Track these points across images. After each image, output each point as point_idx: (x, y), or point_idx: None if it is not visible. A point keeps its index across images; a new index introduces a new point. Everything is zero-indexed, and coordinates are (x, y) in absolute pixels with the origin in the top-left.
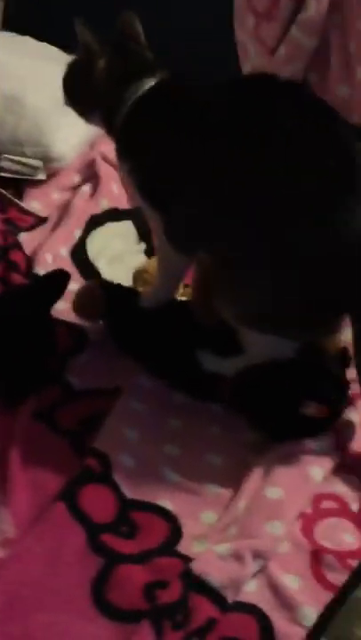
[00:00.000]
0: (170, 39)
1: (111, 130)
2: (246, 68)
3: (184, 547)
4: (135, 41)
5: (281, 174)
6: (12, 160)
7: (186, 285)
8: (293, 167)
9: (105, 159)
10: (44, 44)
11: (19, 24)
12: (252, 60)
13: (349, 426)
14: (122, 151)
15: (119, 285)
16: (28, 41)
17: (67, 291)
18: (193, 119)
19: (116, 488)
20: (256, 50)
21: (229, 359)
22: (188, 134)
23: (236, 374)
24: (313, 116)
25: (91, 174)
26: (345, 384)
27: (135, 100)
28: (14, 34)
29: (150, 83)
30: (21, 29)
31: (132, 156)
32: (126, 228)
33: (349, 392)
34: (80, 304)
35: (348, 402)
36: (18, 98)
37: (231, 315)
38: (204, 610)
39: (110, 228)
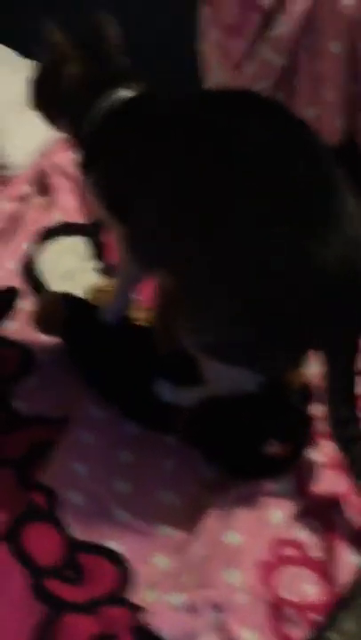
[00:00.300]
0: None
1: (77, 137)
2: (210, 80)
3: (134, 594)
4: (109, 44)
5: (248, 197)
6: None
7: (148, 309)
8: (263, 189)
9: (57, 170)
10: None
11: None
12: (215, 73)
13: (312, 467)
14: (87, 162)
15: (82, 300)
16: None
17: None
18: (162, 135)
19: (62, 527)
20: (219, 63)
21: (187, 389)
22: (155, 149)
23: (193, 405)
24: (288, 135)
25: (42, 185)
26: (309, 421)
27: (106, 111)
28: None
29: (124, 94)
30: None
31: (98, 168)
32: (78, 244)
33: (312, 430)
34: (40, 318)
35: (310, 440)
36: None
37: (191, 342)
38: None
39: (62, 243)
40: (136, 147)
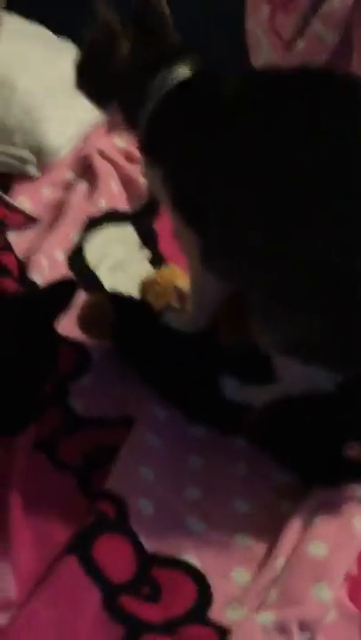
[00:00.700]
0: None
1: (133, 123)
2: (257, 61)
3: (216, 612)
4: (160, 20)
5: (340, 195)
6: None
7: None
8: (351, 181)
9: (102, 155)
10: (38, 27)
11: (17, 6)
12: (264, 53)
13: None
14: (151, 152)
15: (130, 298)
16: (21, 23)
17: None
18: (238, 117)
19: (134, 539)
20: (270, 42)
21: (258, 388)
22: (232, 135)
23: (263, 405)
24: None
25: (85, 171)
26: None
27: (166, 92)
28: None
29: (183, 72)
30: (20, 11)
31: (166, 160)
32: (127, 232)
33: None
34: (87, 321)
35: None
36: (7, 81)
37: (271, 342)
38: None
39: (110, 231)
40: (212, 134)
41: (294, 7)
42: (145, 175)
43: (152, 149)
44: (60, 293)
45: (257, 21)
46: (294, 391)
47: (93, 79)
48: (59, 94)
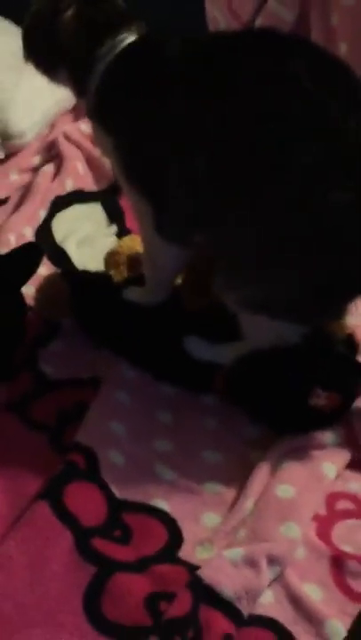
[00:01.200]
0: None
1: (81, 92)
2: None
3: (186, 553)
4: None
5: (296, 142)
6: None
7: None
8: (307, 136)
9: (67, 138)
10: None
11: None
12: None
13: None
14: (100, 120)
15: (86, 273)
16: None
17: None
18: (189, 80)
19: (104, 487)
20: (229, 25)
21: (225, 346)
22: (184, 99)
23: (232, 362)
24: (331, 77)
25: (52, 156)
26: (357, 368)
27: (113, 58)
28: None
29: (129, 37)
30: None
31: (116, 127)
32: (94, 209)
33: None
34: (43, 302)
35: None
36: None
37: (235, 299)
38: (217, 625)
39: (77, 209)
40: (162, 93)
41: None
42: (95, 141)
43: (101, 117)
44: (25, 258)
45: (215, 3)
46: (261, 346)
47: (40, 49)
48: (25, 80)
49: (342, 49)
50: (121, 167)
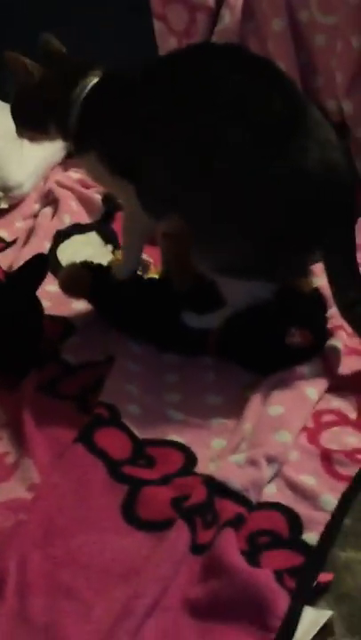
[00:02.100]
0: None
1: (66, 134)
2: None
3: (201, 468)
4: (61, 52)
5: (230, 120)
6: None
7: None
8: (241, 112)
9: (60, 185)
10: None
11: None
12: None
13: (335, 351)
14: (83, 144)
15: (100, 265)
16: None
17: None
18: (145, 91)
19: (126, 430)
20: None
21: (212, 314)
22: (144, 104)
23: (220, 325)
24: (253, 69)
25: (49, 202)
26: (324, 310)
27: (85, 95)
28: None
29: (94, 78)
30: None
31: (96, 144)
32: (91, 237)
33: (328, 321)
34: (66, 284)
35: (329, 332)
36: None
37: (210, 266)
38: (230, 509)
39: (77, 239)
40: (126, 108)
41: (194, 32)
42: (86, 172)
43: (84, 141)
44: (35, 267)
45: (168, 51)
46: (241, 307)
47: (28, 116)
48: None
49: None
50: (108, 167)
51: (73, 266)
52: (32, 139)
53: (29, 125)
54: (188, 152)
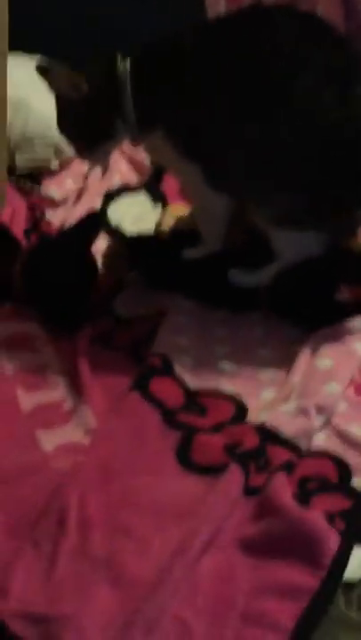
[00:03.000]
0: None
1: (131, 122)
2: None
3: (252, 418)
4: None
5: (294, 72)
6: (25, 159)
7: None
8: (302, 65)
9: None
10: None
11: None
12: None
13: None
14: (146, 124)
15: (140, 237)
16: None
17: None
18: (201, 62)
19: (179, 380)
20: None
21: (262, 270)
22: (203, 74)
23: (270, 282)
24: (307, 26)
25: None
26: None
27: (131, 72)
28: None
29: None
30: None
31: (159, 121)
32: (141, 198)
33: None
34: (108, 264)
35: None
36: (24, 103)
37: (265, 218)
38: (282, 455)
39: (126, 199)
40: (182, 77)
41: None
42: (147, 151)
43: (147, 120)
44: (89, 223)
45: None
46: (292, 259)
47: (90, 131)
48: None
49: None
50: (175, 146)
51: (111, 248)
52: (102, 154)
53: (96, 139)
54: (254, 108)
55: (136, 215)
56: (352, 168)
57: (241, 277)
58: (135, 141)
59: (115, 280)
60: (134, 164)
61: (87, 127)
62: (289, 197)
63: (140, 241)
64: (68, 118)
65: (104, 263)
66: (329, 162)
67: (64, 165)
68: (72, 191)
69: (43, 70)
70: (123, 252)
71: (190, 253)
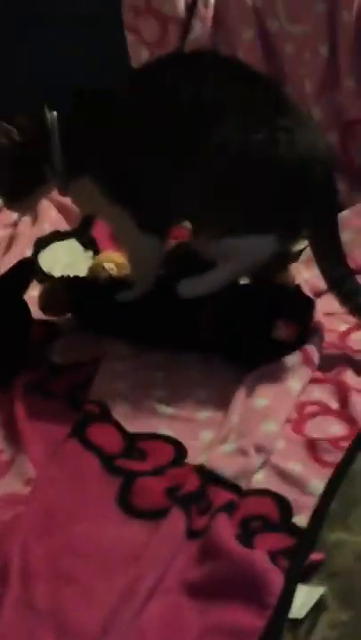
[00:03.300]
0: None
1: (56, 168)
2: None
3: (192, 459)
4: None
5: (218, 112)
6: None
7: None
8: (226, 105)
9: None
10: None
11: None
12: None
13: (315, 344)
14: (74, 170)
15: (78, 277)
16: None
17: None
18: (127, 108)
19: (117, 425)
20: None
21: (205, 275)
22: (129, 115)
23: (214, 306)
24: (225, 67)
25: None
26: (308, 300)
27: (58, 119)
28: None
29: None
30: None
31: (86, 168)
32: (71, 244)
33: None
34: (45, 304)
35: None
36: None
37: (214, 230)
38: (223, 496)
39: (57, 245)
40: (110, 123)
41: (166, 42)
42: (75, 201)
43: (75, 166)
44: (21, 271)
45: (140, 62)
46: (239, 269)
47: (18, 178)
48: None
49: None
50: (102, 191)
51: (49, 286)
52: (31, 202)
53: (25, 186)
54: (184, 151)
55: (67, 262)
56: (284, 194)
57: (188, 286)
58: (63, 190)
59: (48, 327)
60: (64, 210)
61: (16, 175)
62: (230, 217)
63: (77, 282)
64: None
65: (42, 302)
66: (262, 192)
67: None
68: (1, 239)
69: None
70: (60, 294)
71: (124, 296)
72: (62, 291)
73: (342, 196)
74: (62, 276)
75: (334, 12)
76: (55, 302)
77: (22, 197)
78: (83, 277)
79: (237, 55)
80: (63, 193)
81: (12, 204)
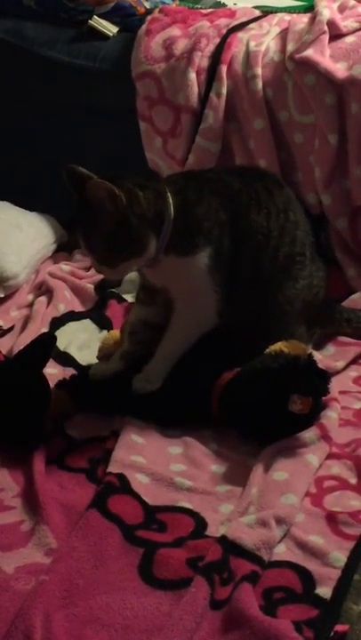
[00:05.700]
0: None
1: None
2: None
3: (212, 531)
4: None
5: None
6: None
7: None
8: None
9: (53, 276)
10: None
11: None
12: (165, 173)
13: (331, 420)
14: (187, 250)
15: (73, 376)
16: None
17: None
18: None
19: (137, 497)
20: (167, 164)
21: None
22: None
23: (223, 390)
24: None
25: (42, 292)
26: (322, 373)
27: (174, 201)
28: None
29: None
30: None
31: (206, 243)
32: (86, 324)
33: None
34: (53, 412)
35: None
36: None
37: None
38: (245, 567)
39: (72, 325)
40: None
41: (180, 132)
42: (154, 273)
43: (187, 248)
44: (41, 345)
45: (153, 151)
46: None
47: (120, 244)
48: (9, 234)
49: (261, 164)
50: (204, 270)
51: (56, 395)
52: (125, 269)
53: (126, 252)
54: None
55: (82, 341)
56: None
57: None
58: (152, 264)
59: (66, 402)
60: (78, 292)
61: (118, 241)
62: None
63: (76, 380)
64: (93, 229)
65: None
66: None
67: (8, 296)
68: (17, 319)
69: (76, 175)
70: (63, 396)
71: (140, 387)
72: (66, 398)
73: (352, 280)
74: (62, 382)
75: (343, 103)
76: (62, 411)
77: (118, 263)
78: (80, 373)
79: (249, 144)
80: (151, 264)
81: (105, 268)
